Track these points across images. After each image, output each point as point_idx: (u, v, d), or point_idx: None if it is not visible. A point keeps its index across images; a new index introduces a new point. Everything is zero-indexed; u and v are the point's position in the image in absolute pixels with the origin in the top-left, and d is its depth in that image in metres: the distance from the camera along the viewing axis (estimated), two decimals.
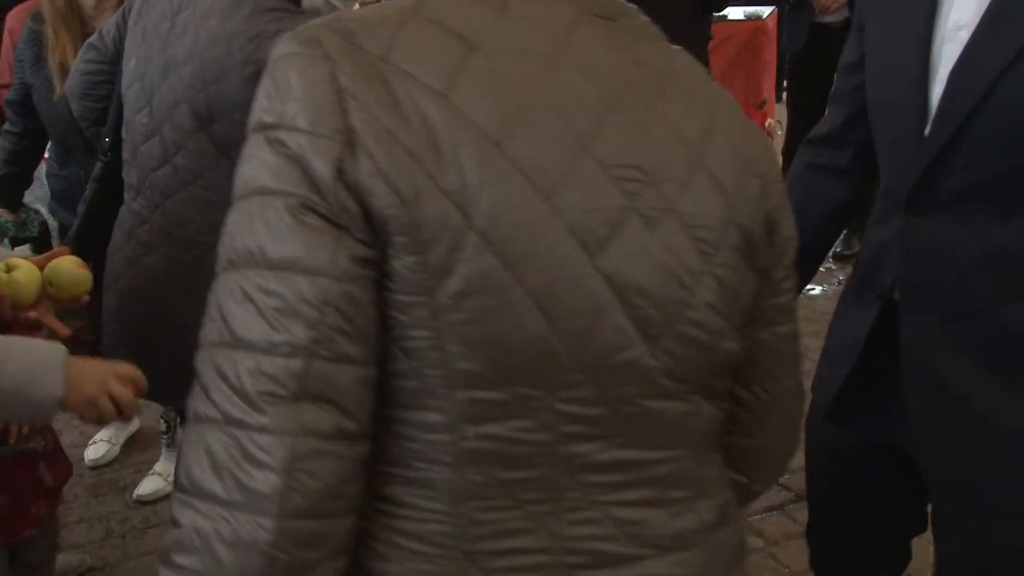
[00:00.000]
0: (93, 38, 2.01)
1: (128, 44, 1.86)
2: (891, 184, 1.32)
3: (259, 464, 0.69)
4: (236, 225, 0.74)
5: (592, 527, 0.81)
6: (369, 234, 0.72)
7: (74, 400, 1.29)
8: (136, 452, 3.15)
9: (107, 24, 1.99)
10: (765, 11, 6.01)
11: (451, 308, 0.73)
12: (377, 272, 0.73)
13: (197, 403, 0.73)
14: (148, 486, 2.96)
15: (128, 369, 1.40)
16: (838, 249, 4.78)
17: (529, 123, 0.75)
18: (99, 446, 3.10)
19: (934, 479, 1.34)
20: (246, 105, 0.86)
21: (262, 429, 0.70)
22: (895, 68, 1.27)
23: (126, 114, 1.86)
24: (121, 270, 1.86)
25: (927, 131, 1.22)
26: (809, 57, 4.22)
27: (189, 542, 0.71)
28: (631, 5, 0.87)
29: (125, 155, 1.87)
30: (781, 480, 2.88)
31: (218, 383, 0.72)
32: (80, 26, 2.42)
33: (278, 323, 0.70)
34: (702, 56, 3.36)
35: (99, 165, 1.97)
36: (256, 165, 0.73)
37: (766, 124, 5.63)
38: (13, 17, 3.02)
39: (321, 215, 0.71)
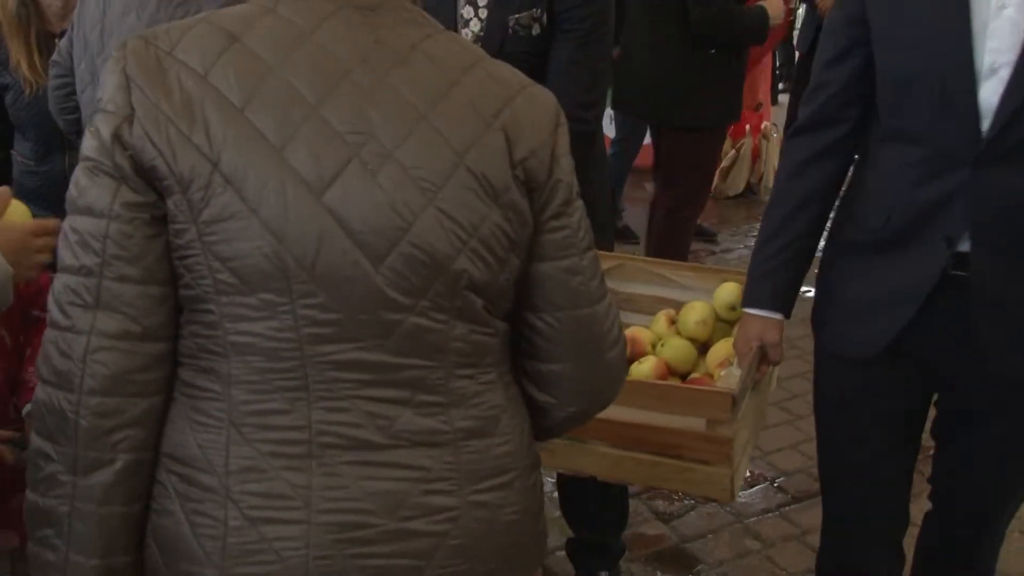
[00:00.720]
0: (55, 54, 2.05)
1: (75, 53, 1.92)
2: (945, 144, 1.47)
3: (64, 355, 0.99)
4: (71, 183, 1.02)
5: (342, 415, 1.01)
6: (142, 184, 0.99)
7: (20, 271, 1.42)
8: None
9: (64, 39, 2.03)
10: None
11: (207, 232, 0.98)
12: (153, 212, 0.99)
13: None
14: None
15: (35, 224, 1.49)
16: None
17: (268, 94, 0.99)
18: None
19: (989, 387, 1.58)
20: None
21: (68, 329, 0.99)
22: (931, 45, 1.44)
23: (85, 116, 1.92)
24: None
25: (988, 88, 1.41)
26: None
27: (36, 409, 1.02)
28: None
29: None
30: (777, 482, 2.88)
31: (50, 298, 1.01)
32: (42, 25, 2.42)
33: (77, 252, 0.99)
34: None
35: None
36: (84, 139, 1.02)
37: (762, 126, 5.64)
38: None
39: (106, 172, 0.99)
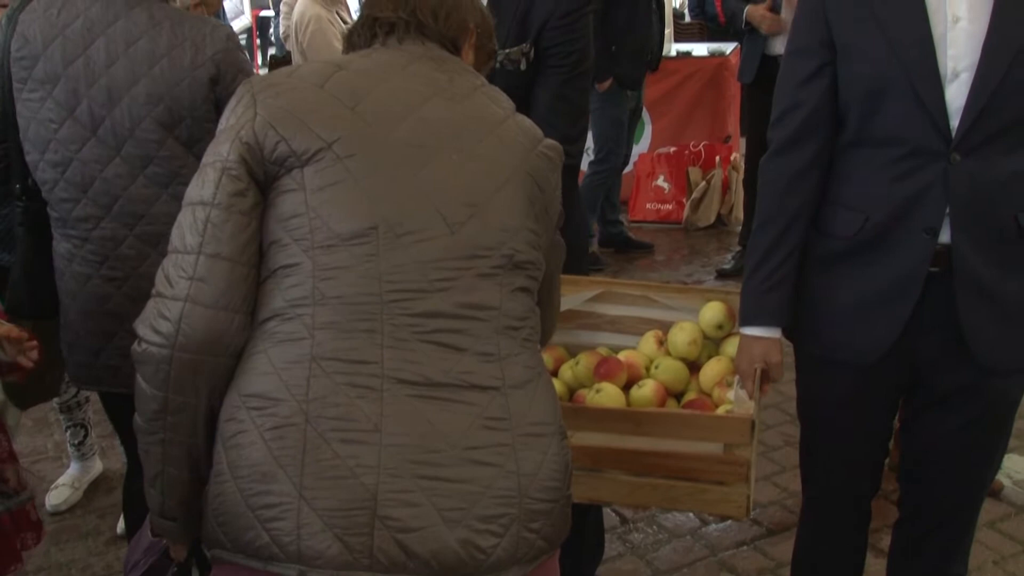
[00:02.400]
0: None
1: (26, 96, 1.89)
2: (918, 142, 1.60)
3: (164, 318, 1.23)
4: (192, 184, 1.30)
5: (410, 354, 1.23)
6: (255, 170, 1.28)
7: None
8: (100, 496, 3.10)
9: None
10: (728, 48, 6.12)
11: (316, 197, 1.26)
12: (254, 198, 1.28)
13: None
14: (57, 497, 2.92)
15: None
16: (726, 267, 4.86)
17: (371, 99, 1.33)
18: (61, 491, 3.05)
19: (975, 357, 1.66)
20: (204, 101, 1.70)
21: (172, 297, 1.24)
22: (899, 56, 1.59)
23: (54, 156, 1.89)
24: (75, 291, 1.96)
25: (953, 90, 1.56)
26: (760, 88, 4.32)
27: (136, 357, 1.25)
28: (456, 57, 1.47)
29: (61, 193, 1.91)
30: (753, 515, 2.88)
31: (158, 274, 1.27)
32: None
33: (187, 234, 1.26)
34: None
35: (20, 210, 1.99)
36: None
37: (731, 158, 5.71)
38: None
39: (228, 171, 1.27)
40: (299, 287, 1.24)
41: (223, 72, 1.87)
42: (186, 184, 1.31)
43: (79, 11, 1.86)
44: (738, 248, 4.89)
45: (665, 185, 5.76)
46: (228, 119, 1.31)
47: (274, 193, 1.29)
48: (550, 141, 1.45)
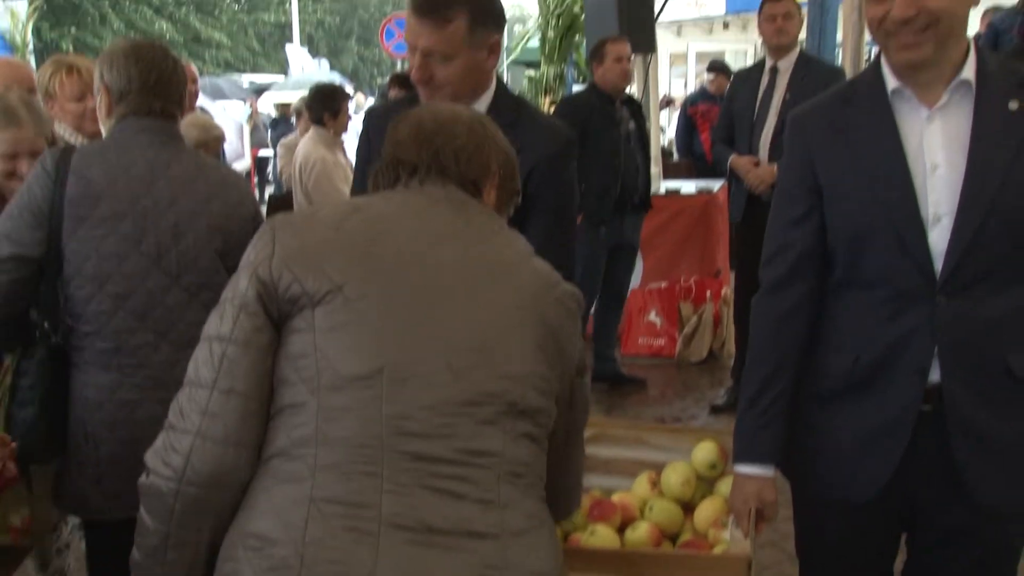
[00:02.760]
0: (5, 251, 2.02)
1: (85, 233, 1.98)
2: (905, 284, 1.62)
3: (175, 451, 1.27)
4: (211, 317, 1.36)
5: (409, 499, 1.23)
6: (270, 308, 1.32)
7: None
8: None
9: (15, 232, 1.99)
10: (716, 185, 6.26)
11: (324, 339, 1.28)
12: (270, 335, 1.31)
13: None
14: None
15: None
16: (719, 402, 4.82)
17: (385, 243, 1.36)
18: None
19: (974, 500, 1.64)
20: (247, 235, 1.55)
21: (184, 431, 1.28)
22: (883, 201, 1.62)
23: (116, 287, 2.01)
24: (118, 420, 2.03)
25: (935, 234, 1.59)
26: (748, 226, 4.40)
27: (142, 489, 1.30)
28: (476, 200, 1.48)
29: (119, 323, 2.01)
30: None
31: (172, 405, 1.31)
32: None
33: (203, 368, 1.31)
34: None
35: (45, 351, 2.03)
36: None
37: (722, 292, 5.75)
38: None
39: (245, 308, 1.32)
40: (303, 427, 1.26)
41: (258, 210, 2.19)
42: None
43: (137, 155, 2.05)
44: (731, 382, 4.87)
45: (657, 320, 5.77)
46: (249, 254, 1.37)
47: (286, 331, 1.32)
48: (568, 288, 1.46)
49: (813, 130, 1.72)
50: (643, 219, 5.13)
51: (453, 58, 1.98)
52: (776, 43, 4.40)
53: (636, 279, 5.99)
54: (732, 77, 5.73)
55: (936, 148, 1.61)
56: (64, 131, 2.92)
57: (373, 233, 1.36)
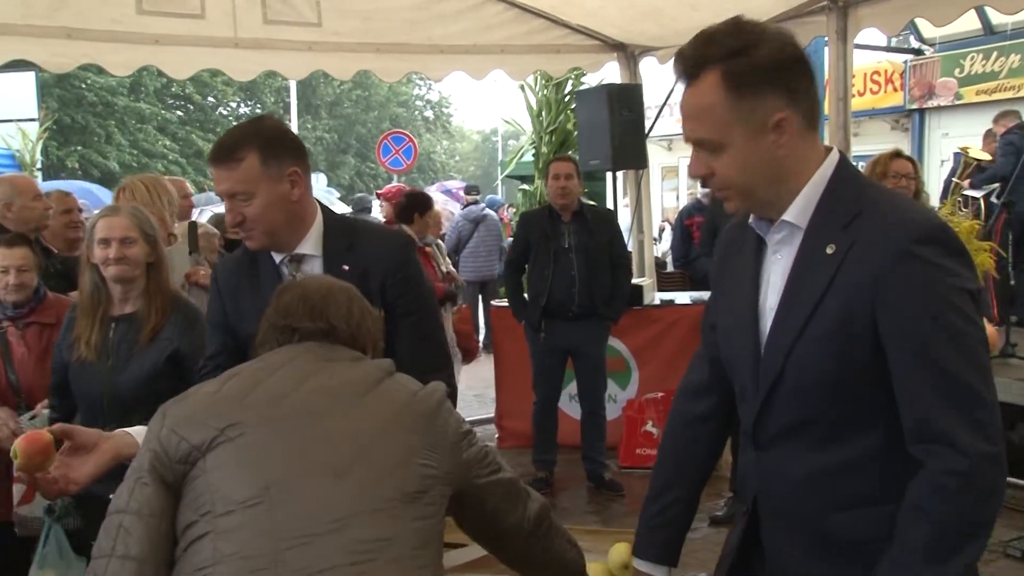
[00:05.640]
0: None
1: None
2: (744, 424, 1.63)
3: None
4: (114, 496, 1.51)
5: None
6: (164, 474, 1.49)
7: None
8: None
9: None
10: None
11: (213, 478, 1.44)
12: (163, 502, 1.47)
13: None
14: None
15: None
16: (719, 513, 4.78)
17: (261, 389, 1.55)
18: None
19: None
20: None
21: None
22: (735, 335, 1.62)
23: None
24: None
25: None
26: None
27: None
28: (348, 351, 1.69)
29: None
30: None
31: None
32: (107, 308, 2.77)
33: (103, 539, 1.46)
34: None
35: None
36: None
37: None
38: None
39: (139, 480, 1.49)
40: (203, 551, 1.39)
41: None
42: None
43: None
44: (729, 494, 4.81)
45: (654, 430, 5.75)
46: (147, 433, 1.56)
47: (185, 487, 1.47)
48: (431, 386, 1.65)
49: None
50: (601, 328, 5.25)
51: (254, 195, 2.11)
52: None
53: (633, 389, 6.01)
54: None
55: (772, 288, 1.56)
56: None
57: (248, 386, 1.56)
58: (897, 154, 3.80)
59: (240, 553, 1.36)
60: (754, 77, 1.44)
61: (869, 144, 12.66)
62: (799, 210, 1.51)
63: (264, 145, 2.10)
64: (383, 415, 1.55)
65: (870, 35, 5.36)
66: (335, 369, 1.62)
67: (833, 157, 1.53)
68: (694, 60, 1.49)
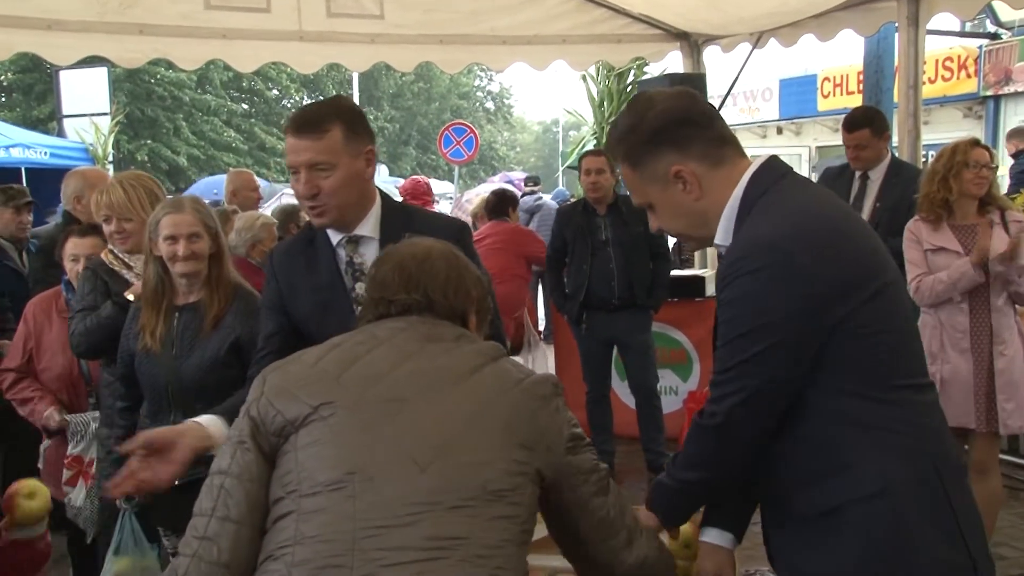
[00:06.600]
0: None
1: None
2: None
3: (175, 571, 1.46)
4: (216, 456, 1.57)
5: None
6: (262, 443, 1.51)
7: None
8: None
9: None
10: None
11: (302, 455, 1.46)
12: (262, 467, 1.50)
13: None
14: None
15: None
16: None
17: (357, 367, 1.53)
18: None
19: None
20: None
21: (184, 555, 1.46)
22: None
23: None
24: None
25: None
26: None
27: None
28: (446, 322, 1.64)
29: None
30: None
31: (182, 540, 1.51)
32: (172, 299, 2.84)
33: (204, 499, 1.51)
34: None
35: None
36: None
37: None
38: (34, 304, 3.59)
39: (241, 444, 1.52)
40: (286, 530, 1.41)
41: None
42: None
43: None
44: None
45: None
46: (247, 398, 1.57)
47: (279, 458, 1.49)
48: (536, 378, 1.59)
49: None
50: (643, 317, 5.21)
51: (335, 167, 2.13)
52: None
53: (694, 381, 5.96)
54: (823, 171, 5.81)
55: None
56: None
57: (347, 362, 1.54)
58: (975, 143, 3.70)
59: (321, 536, 1.37)
60: (644, 146, 1.75)
61: (939, 132, 12.34)
62: (721, 234, 1.73)
63: (349, 121, 2.16)
64: (476, 405, 1.50)
65: (943, 20, 5.19)
66: (435, 351, 1.57)
67: (745, 176, 1.71)
68: (612, 153, 1.88)
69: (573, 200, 10.49)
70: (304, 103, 35.87)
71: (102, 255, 3.21)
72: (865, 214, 4.43)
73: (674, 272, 5.63)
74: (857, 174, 4.55)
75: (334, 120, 2.14)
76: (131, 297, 2.98)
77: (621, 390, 5.59)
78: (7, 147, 10.84)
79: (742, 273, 1.60)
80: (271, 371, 1.58)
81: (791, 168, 1.78)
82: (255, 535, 1.46)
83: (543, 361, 6.46)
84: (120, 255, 3.17)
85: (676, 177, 1.72)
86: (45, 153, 11.28)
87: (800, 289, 1.55)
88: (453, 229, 2.32)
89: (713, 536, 1.83)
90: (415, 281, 1.64)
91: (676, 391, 5.92)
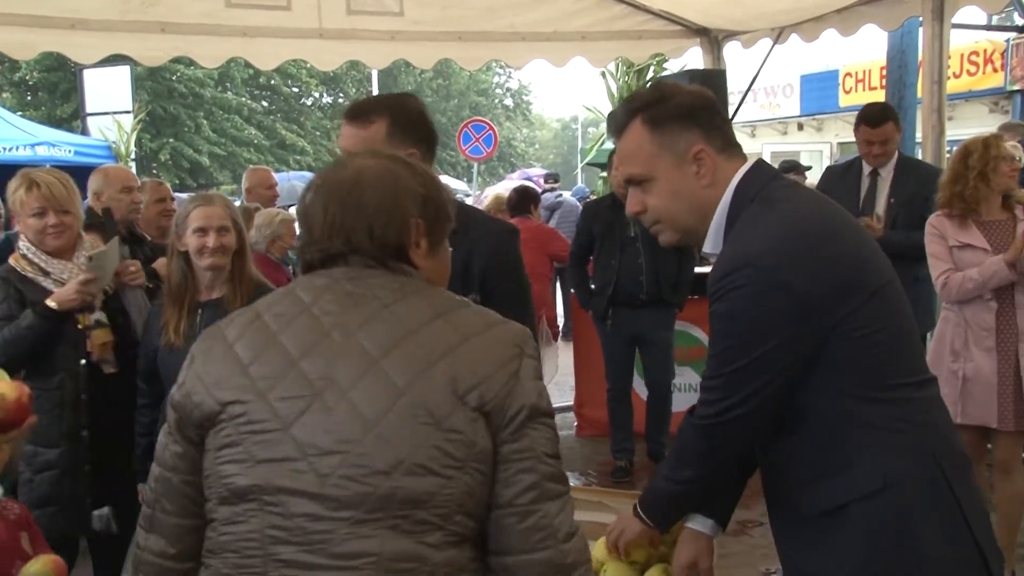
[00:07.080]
0: None
1: None
2: None
3: (133, 567, 1.49)
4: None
5: None
6: (187, 432, 1.42)
7: None
8: None
9: None
10: None
11: (216, 453, 1.38)
12: (191, 458, 1.42)
13: None
14: None
15: None
16: None
17: (264, 358, 1.38)
18: None
19: None
20: None
21: (137, 546, 1.47)
22: None
23: None
24: None
25: None
26: None
27: None
28: (379, 269, 1.43)
29: None
30: None
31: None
32: (194, 295, 2.87)
33: (147, 490, 1.48)
34: None
35: None
36: None
37: None
38: None
39: (169, 435, 1.45)
40: (210, 539, 1.39)
41: None
42: None
43: None
44: None
45: None
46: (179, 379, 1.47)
47: (204, 451, 1.42)
48: (510, 328, 1.41)
49: None
50: (667, 315, 5.24)
51: None
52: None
53: None
54: (825, 171, 5.77)
55: None
56: (25, 246, 3.01)
57: (257, 347, 1.39)
58: (1001, 136, 3.65)
59: (239, 551, 1.34)
60: (673, 118, 1.71)
61: (964, 128, 12.20)
62: (711, 243, 1.74)
63: (395, 116, 2.19)
64: (386, 393, 1.32)
65: (968, 13, 5.12)
66: (358, 319, 1.37)
67: (734, 180, 1.72)
68: (623, 112, 1.78)
69: (595, 196, 10.47)
70: (324, 100, 36.06)
71: (11, 260, 3.03)
72: (879, 210, 4.39)
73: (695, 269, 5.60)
74: (867, 171, 4.50)
75: (382, 114, 2.18)
76: (54, 305, 2.87)
77: (638, 386, 5.57)
78: (33, 145, 10.96)
79: (729, 289, 1.62)
80: (197, 353, 1.44)
81: (778, 172, 1.82)
82: (198, 524, 1.42)
83: (552, 361, 6.45)
84: (36, 260, 2.99)
85: (695, 158, 1.71)
86: (69, 151, 11.39)
87: (785, 303, 1.58)
88: (504, 230, 2.41)
89: (696, 523, 1.87)
90: (338, 224, 1.42)
91: (696, 388, 5.90)
